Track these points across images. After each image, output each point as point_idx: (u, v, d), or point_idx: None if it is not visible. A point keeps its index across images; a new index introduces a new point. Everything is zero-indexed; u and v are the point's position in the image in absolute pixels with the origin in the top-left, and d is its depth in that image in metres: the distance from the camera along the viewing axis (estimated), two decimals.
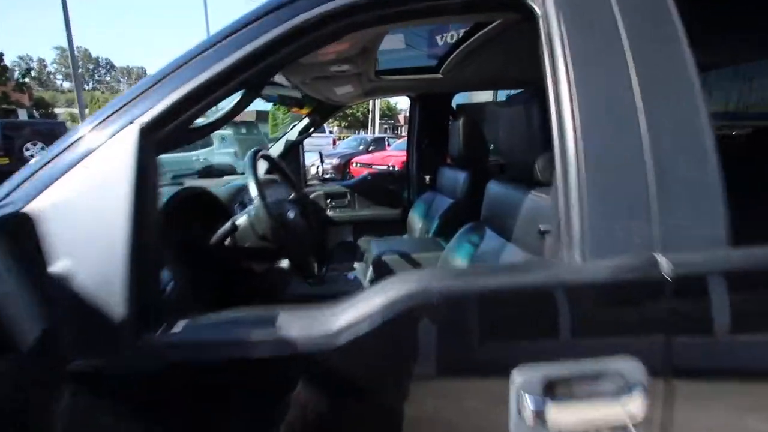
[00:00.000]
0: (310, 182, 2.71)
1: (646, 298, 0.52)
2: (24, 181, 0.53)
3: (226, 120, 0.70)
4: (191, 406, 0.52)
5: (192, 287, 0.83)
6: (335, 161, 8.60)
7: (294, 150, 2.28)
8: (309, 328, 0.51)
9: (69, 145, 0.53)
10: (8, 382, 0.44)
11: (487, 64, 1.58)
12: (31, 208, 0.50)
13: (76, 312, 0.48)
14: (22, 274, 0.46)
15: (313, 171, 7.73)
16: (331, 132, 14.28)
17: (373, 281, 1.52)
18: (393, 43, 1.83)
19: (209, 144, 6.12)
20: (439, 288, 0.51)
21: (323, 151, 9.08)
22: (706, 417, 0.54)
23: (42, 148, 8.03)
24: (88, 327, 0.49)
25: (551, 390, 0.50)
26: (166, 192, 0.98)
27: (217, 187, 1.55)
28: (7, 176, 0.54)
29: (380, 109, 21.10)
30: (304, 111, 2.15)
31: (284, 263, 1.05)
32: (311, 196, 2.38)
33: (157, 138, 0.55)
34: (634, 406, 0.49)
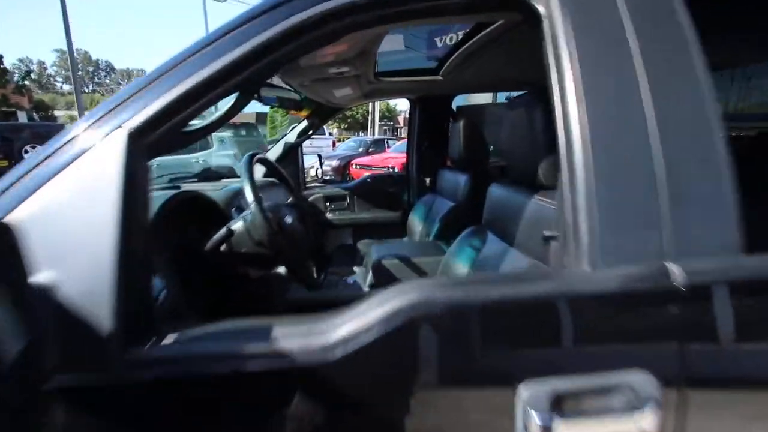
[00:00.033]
0: (309, 184, 2.69)
1: (657, 309, 0.50)
2: (6, 189, 0.50)
3: (220, 123, 0.68)
4: (182, 424, 0.50)
5: (186, 295, 0.81)
6: (335, 163, 8.58)
7: (293, 152, 2.27)
8: (306, 340, 0.49)
9: (54, 152, 0.51)
10: None
11: (488, 65, 1.56)
12: (12, 217, 0.48)
13: (60, 325, 0.46)
14: (3, 286, 0.44)
15: (312, 173, 7.72)
16: (330, 134, 14.27)
17: (373, 286, 1.50)
18: (392, 45, 1.82)
19: (209, 146, 6.09)
20: (441, 298, 0.49)
21: (323, 153, 9.09)
22: None
23: None
24: (72, 341, 0.47)
25: (559, 405, 0.47)
26: (162, 196, 0.96)
27: (215, 190, 1.53)
28: None
29: (380, 111, 21.13)
30: (303, 113, 2.13)
31: (282, 269, 1.02)
32: (310, 199, 2.36)
33: (148, 142, 0.53)
34: (647, 421, 0.47)
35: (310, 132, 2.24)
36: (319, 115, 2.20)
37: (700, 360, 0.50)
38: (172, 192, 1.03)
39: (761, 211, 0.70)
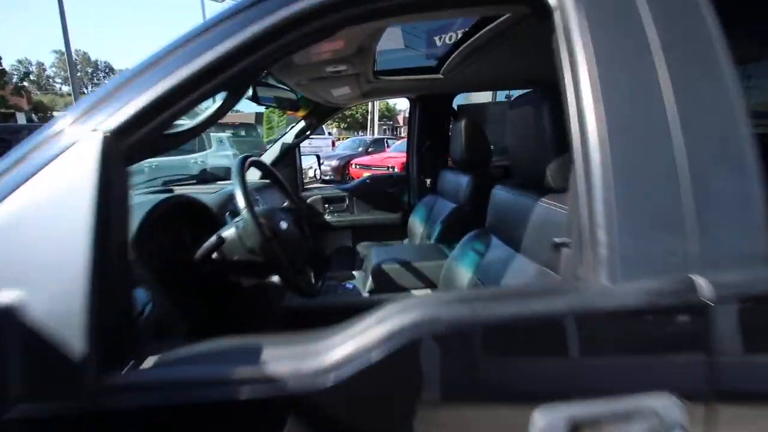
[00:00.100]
0: (307, 185, 2.65)
1: (683, 327, 0.45)
2: None
3: (208, 125, 0.63)
4: None
5: (175, 306, 0.76)
6: (334, 163, 8.54)
7: (290, 153, 2.22)
8: (299, 363, 0.44)
9: (20, 158, 0.47)
10: None
11: (491, 63, 1.51)
12: None
13: (24, 348, 0.42)
14: None
15: (311, 174, 7.67)
16: (330, 133, 14.23)
17: (373, 291, 1.46)
18: (392, 43, 1.77)
19: (208, 146, 6.04)
20: (446, 316, 0.45)
21: (322, 153, 9.03)
22: None
23: None
24: (38, 366, 0.42)
25: None
26: (154, 200, 0.91)
27: (210, 193, 1.49)
28: None
29: (379, 110, 21.07)
30: (300, 114, 2.09)
31: (276, 278, 0.98)
32: (308, 201, 2.32)
33: (126, 146, 0.49)
34: None
35: (308, 132, 2.19)
36: (317, 115, 2.16)
37: (730, 382, 0.46)
38: (165, 196, 0.98)
39: None
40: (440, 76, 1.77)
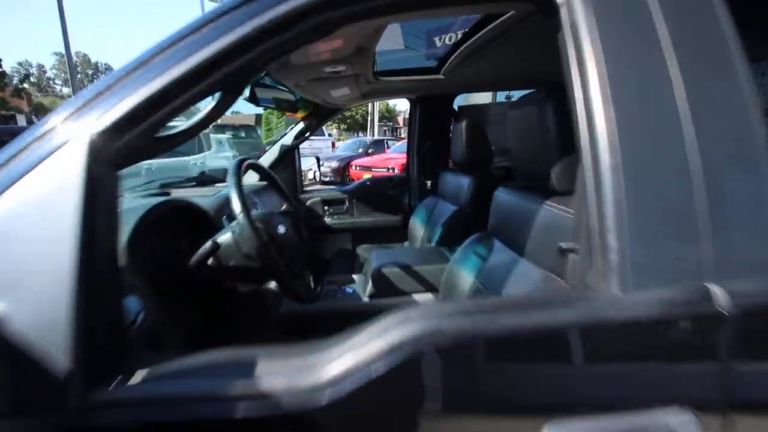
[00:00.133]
0: (307, 187, 2.62)
1: (698, 338, 0.43)
2: None
3: (202, 127, 0.61)
4: None
5: (169, 314, 0.74)
6: (334, 164, 8.51)
7: (290, 155, 2.20)
8: (296, 378, 0.42)
9: (3, 164, 0.45)
10: None
11: (493, 62, 1.49)
12: None
13: (6, 363, 0.40)
14: None
15: (310, 176, 7.65)
16: (330, 135, 14.21)
17: (373, 296, 1.43)
18: (392, 44, 1.75)
19: (208, 148, 6.01)
20: (449, 328, 0.42)
21: (322, 154, 9.01)
22: None
23: None
24: (21, 381, 0.40)
25: None
26: (150, 204, 0.89)
27: (208, 196, 1.46)
28: None
29: (379, 111, 21.07)
30: (299, 115, 2.07)
31: (273, 284, 0.96)
32: (308, 203, 2.29)
33: (114, 149, 0.47)
34: None
35: (308, 134, 2.17)
36: (317, 117, 2.14)
37: (748, 394, 0.44)
38: (161, 199, 0.96)
39: None
40: (441, 76, 1.75)
